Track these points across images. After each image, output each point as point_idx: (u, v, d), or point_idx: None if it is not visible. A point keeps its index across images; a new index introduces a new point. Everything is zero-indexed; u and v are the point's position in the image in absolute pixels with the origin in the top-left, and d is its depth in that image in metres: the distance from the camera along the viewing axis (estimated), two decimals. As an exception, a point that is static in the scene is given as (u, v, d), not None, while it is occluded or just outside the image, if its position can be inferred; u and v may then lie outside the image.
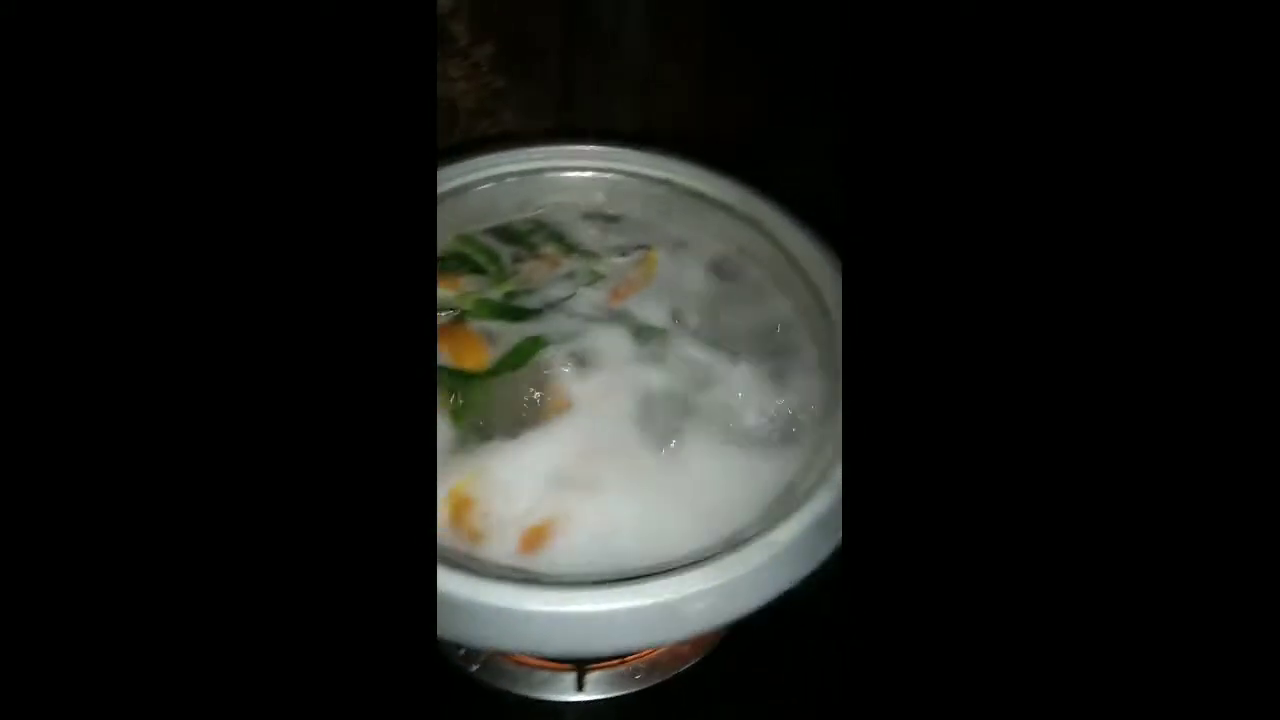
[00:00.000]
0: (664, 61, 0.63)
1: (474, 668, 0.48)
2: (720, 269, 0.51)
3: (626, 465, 0.39)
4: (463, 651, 0.48)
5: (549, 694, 0.46)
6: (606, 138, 0.54)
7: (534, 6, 0.58)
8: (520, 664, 0.47)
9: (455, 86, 0.59)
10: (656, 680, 0.45)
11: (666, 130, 0.67)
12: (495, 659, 0.48)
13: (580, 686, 0.45)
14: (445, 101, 0.59)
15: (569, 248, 0.51)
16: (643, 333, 0.45)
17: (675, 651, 0.46)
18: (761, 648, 0.46)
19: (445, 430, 0.41)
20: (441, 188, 0.49)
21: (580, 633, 0.33)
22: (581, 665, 0.46)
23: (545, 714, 0.46)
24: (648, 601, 0.32)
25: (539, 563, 0.36)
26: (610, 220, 0.53)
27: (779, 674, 0.46)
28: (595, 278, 0.49)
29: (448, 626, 0.32)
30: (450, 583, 0.32)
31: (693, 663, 0.46)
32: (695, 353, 0.45)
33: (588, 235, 0.52)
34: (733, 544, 0.35)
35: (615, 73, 0.62)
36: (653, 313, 0.46)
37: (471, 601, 0.32)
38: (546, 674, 0.47)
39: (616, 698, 0.45)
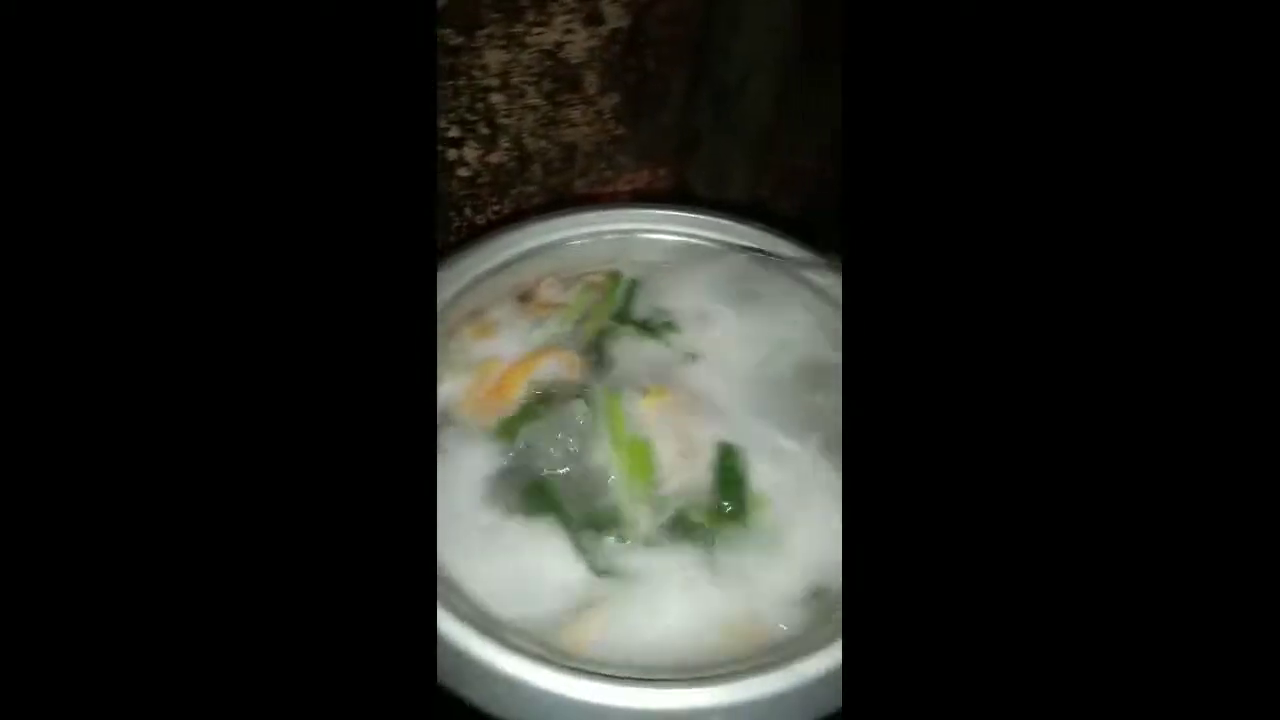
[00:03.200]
0: (783, 120, 0.64)
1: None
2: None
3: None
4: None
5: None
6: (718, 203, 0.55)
7: (663, 62, 0.60)
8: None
9: (578, 131, 0.61)
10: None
11: (780, 190, 0.69)
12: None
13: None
14: (566, 145, 0.62)
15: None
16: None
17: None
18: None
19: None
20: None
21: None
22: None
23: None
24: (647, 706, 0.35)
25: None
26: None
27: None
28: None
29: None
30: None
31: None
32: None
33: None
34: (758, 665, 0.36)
35: (733, 128, 0.63)
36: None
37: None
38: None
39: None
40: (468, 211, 0.63)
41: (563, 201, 0.62)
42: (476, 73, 0.56)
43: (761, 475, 0.44)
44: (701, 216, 0.53)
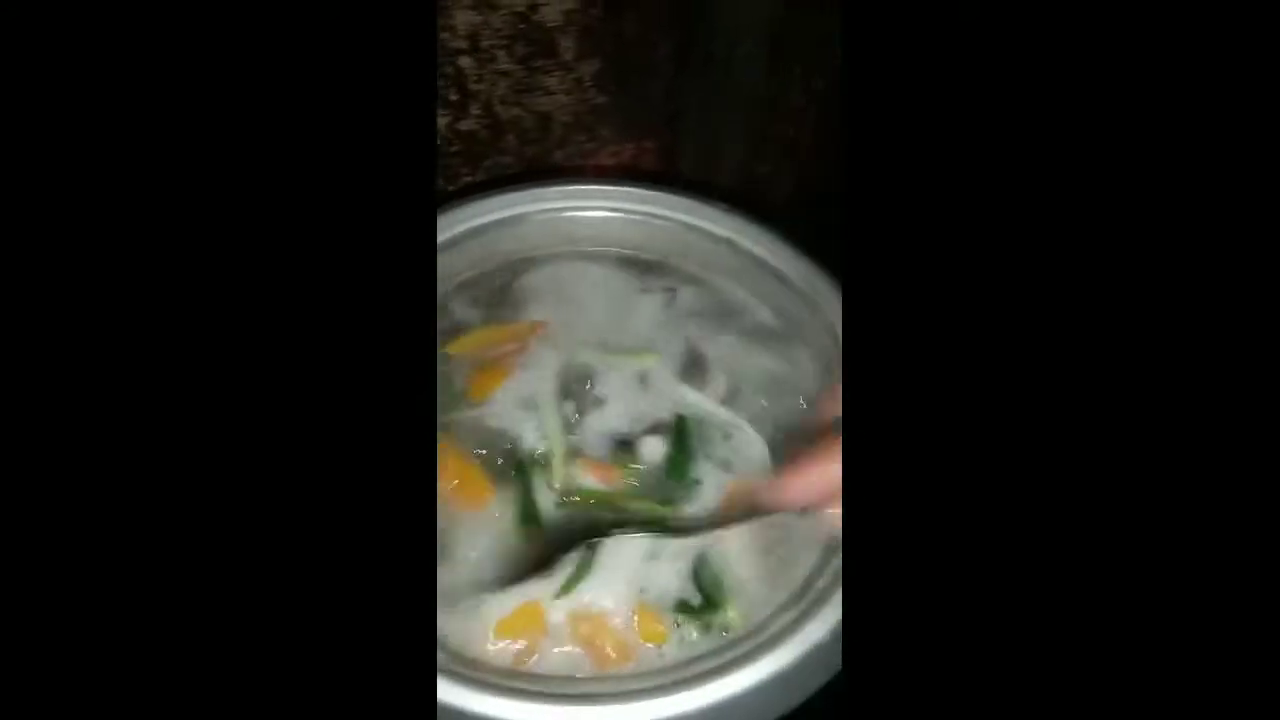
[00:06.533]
0: (776, 93, 0.60)
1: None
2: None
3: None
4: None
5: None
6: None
7: (647, 28, 0.56)
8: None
9: (554, 100, 0.58)
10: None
11: (770, 168, 0.64)
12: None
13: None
14: (541, 114, 0.58)
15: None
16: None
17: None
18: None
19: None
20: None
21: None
22: None
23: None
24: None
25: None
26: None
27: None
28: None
29: None
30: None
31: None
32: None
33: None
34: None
35: (722, 100, 0.59)
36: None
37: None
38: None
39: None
40: (439, 180, 0.60)
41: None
42: (444, 34, 0.53)
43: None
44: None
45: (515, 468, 0.42)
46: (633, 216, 0.51)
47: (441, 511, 0.40)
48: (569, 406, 0.45)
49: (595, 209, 0.52)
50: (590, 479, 0.42)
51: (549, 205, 0.50)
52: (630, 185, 0.51)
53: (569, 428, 0.44)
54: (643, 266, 0.52)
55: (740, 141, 0.63)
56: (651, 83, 0.59)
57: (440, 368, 0.45)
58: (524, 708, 0.33)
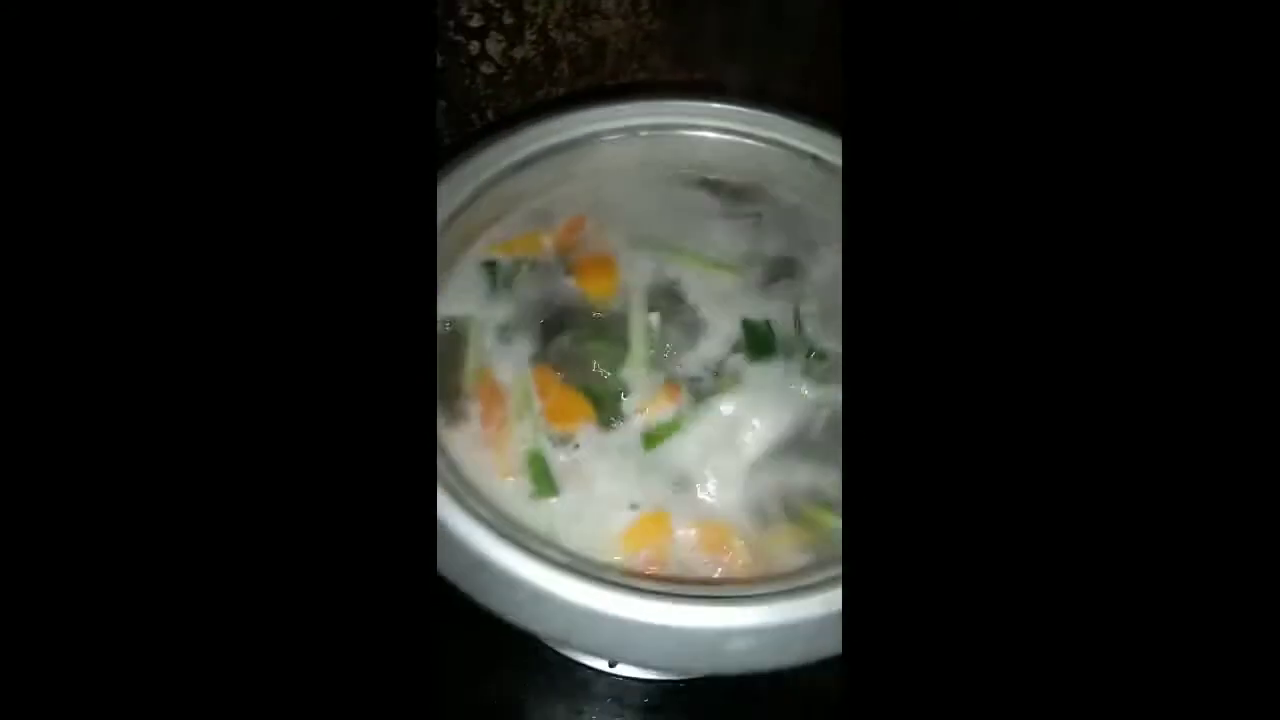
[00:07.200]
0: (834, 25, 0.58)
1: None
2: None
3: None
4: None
5: (582, 657, 0.47)
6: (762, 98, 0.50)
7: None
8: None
9: (610, 25, 0.56)
10: (686, 677, 0.45)
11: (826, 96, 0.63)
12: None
13: (612, 663, 0.46)
14: (596, 40, 0.57)
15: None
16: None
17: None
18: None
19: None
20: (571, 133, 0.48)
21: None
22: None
23: (575, 677, 0.47)
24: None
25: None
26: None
27: (817, 703, 0.45)
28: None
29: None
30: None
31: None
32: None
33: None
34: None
35: (779, 26, 0.58)
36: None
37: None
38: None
39: (644, 681, 0.45)
40: (489, 113, 0.58)
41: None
42: (501, -47, 0.51)
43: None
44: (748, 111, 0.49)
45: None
46: (713, 135, 0.49)
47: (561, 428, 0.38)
48: (656, 322, 0.43)
49: (666, 129, 0.50)
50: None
51: (621, 124, 0.48)
52: (714, 101, 0.49)
53: (655, 345, 0.42)
54: (728, 190, 0.50)
55: (795, 76, 0.62)
56: (707, 10, 0.57)
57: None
58: (653, 606, 0.31)
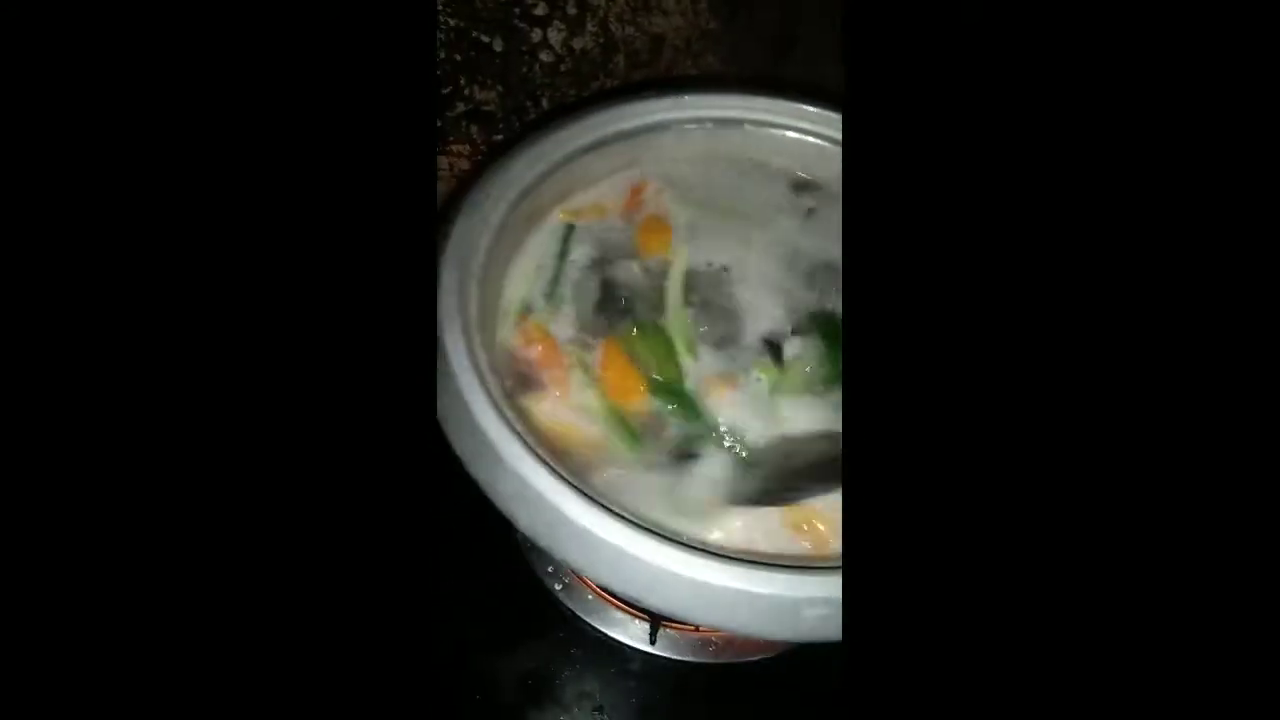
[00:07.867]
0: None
1: (558, 587, 0.50)
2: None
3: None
4: (551, 568, 0.51)
5: (622, 636, 0.48)
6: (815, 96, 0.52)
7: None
8: (599, 598, 0.49)
9: (669, 21, 0.57)
10: (727, 659, 0.46)
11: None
12: (577, 585, 0.50)
13: (653, 640, 0.47)
14: (654, 36, 0.58)
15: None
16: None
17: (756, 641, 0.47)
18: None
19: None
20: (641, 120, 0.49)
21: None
22: (657, 619, 0.47)
23: (615, 654, 0.48)
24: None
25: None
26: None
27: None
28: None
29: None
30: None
31: (767, 655, 0.47)
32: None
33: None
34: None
35: (835, 28, 0.59)
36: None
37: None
38: (622, 616, 0.49)
39: (684, 662, 0.46)
40: (544, 101, 0.59)
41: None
42: (568, -56, 0.52)
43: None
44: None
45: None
46: (777, 132, 0.50)
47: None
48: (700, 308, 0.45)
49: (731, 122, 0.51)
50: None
51: (688, 114, 0.50)
52: (772, 97, 0.50)
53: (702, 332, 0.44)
54: (788, 182, 0.52)
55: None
56: (765, 8, 0.59)
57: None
58: (754, 575, 0.32)
